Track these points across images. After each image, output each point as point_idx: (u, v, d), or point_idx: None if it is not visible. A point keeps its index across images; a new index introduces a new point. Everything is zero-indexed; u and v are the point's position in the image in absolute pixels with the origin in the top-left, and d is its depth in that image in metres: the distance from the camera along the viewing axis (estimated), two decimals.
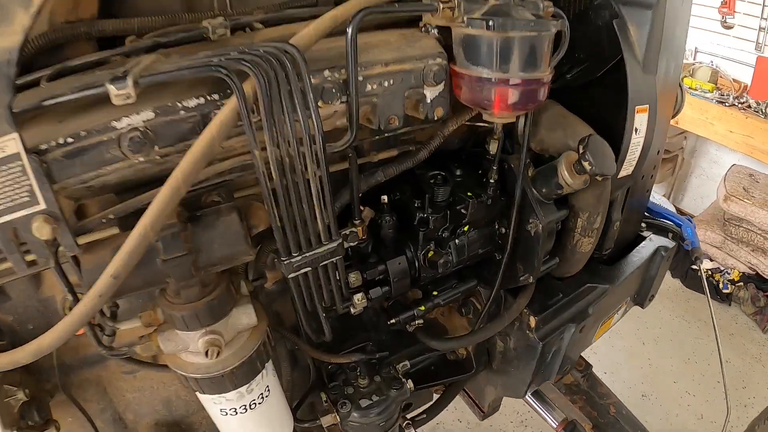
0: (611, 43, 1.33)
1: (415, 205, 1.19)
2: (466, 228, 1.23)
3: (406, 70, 0.93)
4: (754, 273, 4.39)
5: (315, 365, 1.42)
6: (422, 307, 1.31)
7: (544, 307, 1.49)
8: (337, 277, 1.03)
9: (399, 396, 1.30)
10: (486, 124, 1.12)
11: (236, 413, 1.06)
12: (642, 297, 2.06)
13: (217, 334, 0.93)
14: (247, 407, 1.06)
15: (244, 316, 0.98)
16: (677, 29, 1.52)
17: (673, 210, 2.20)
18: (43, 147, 0.72)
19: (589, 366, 2.20)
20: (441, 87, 0.97)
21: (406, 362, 1.37)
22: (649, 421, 2.77)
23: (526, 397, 2.26)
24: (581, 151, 1.12)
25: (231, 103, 0.78)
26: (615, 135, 1.40)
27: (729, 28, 4.67)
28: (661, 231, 2.06)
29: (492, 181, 1.27)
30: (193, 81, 0.82)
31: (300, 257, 0.94)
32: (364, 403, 1.26)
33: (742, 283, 4.39)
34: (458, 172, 1.29)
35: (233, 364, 0.96)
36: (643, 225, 2.05)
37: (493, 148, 1.27)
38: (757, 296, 4.27)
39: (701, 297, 4.48)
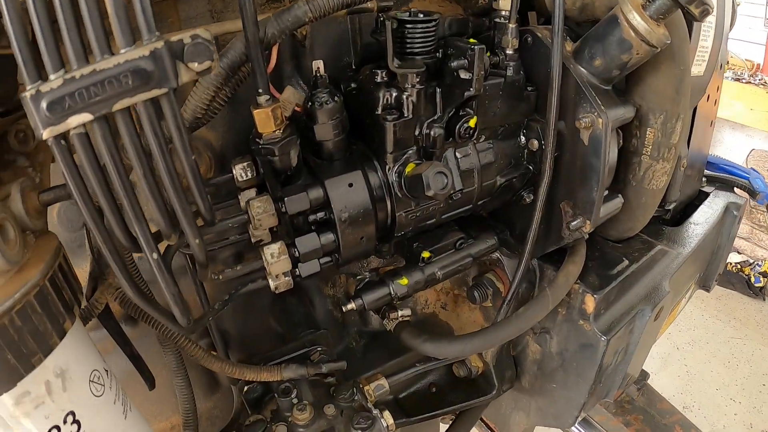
0: None
1: (375, 77, 0.59)
2: (472, 122, 0.63)
3: None
4: None
5: (239, 393, 0.79)
6: (403, 281, 0.69)
7: (606, 279, 0.87)
8: (175, 158, 0.43)
9: None
10: None
11: None
12: (709, 275, 1.46)
13: None
14: None
15: None
16: None
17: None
18: None
19: (645, 374, 1.57)
20: None
21: (382, 381, 0.74)
22: None
23: None
24: None
25: None
26: None
27: (737, 5, 4.22)
28: (725, 186, 1.47)
29: (510, 51, 0.68)
30: None
31: (61, 81, 0.37)
32: None
33: None
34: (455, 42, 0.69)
35: None
36: (704, 180, 1.46)
37: (502, 2, 0.69)
38: None
39: (732, 294, 3.84)
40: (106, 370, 0.56)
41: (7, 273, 0.45)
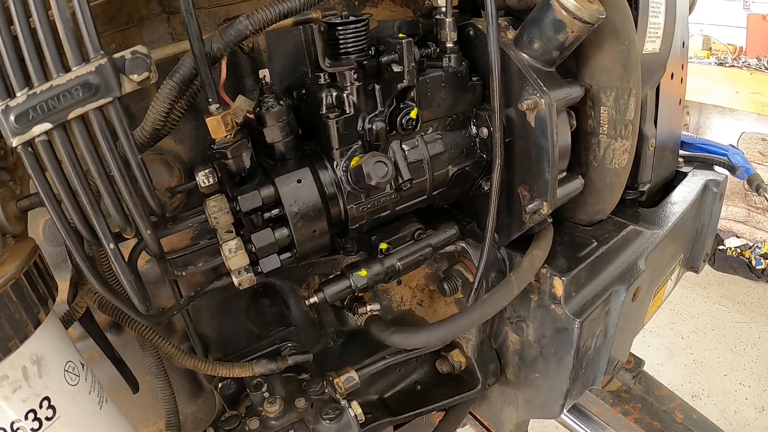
0: None
1: (318, 80, 0.61)
2: (413, 113, 0.65)
3: None
4: None
5: (219, 392, 0.80)
6: (362, 272, 0.70)
7: (574, 261, 0.88)
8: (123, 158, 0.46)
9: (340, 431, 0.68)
10: None
11: None
12: (695, 256, 1.45)
13: None
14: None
15: None
16: None
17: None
18: None
19: (640, 362, 1.56)
20: None
21: (351, 374, 0.74)
22: None
23: (563, 416, 1.60)
24: None
25: None
26: None
27: None
28: (704, 164, 1.48)
29: (450, 44, 0.70)
30: None
31: (25, 97, 0.43)
32: None
33: None
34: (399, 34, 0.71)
35: None
36: (680, 161, 1.47)
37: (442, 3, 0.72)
38: None
39: (735, 278, 3.83)
40: (82, 364, 0.60)
41: None
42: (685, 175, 1.40)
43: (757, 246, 3.87)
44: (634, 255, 1.01)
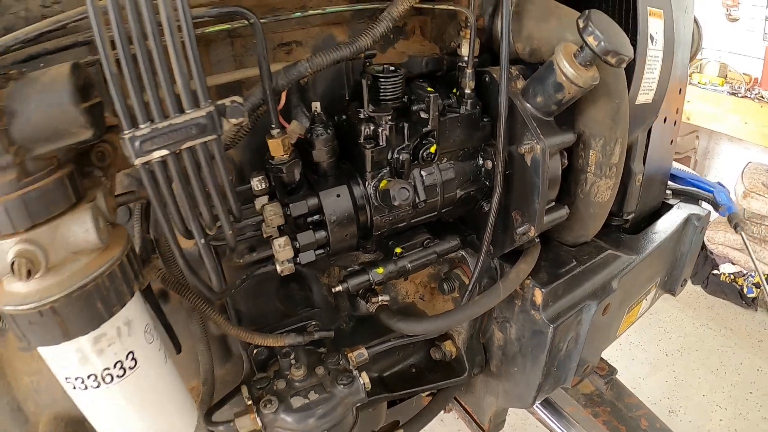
0: None
1: (359, 112, 0.79)
2: (433, 148, 0.83)
3: None
4: None
5: (249, 356, 1.00)
6: (380, 270, 0.89)
7: (554, 277, 1.07)
8: (219, 179, 0.64)
9: (349, 395, 0.87)
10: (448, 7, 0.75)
11: (86, 387, 0.70)
12: (673, 281, 1.62)
13: (34, 245, 0.62)
14: (100, 379, 0.69)
15: (79, 229, 0.63)
16: None
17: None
18: None
19: (613, 370, 1.74)
20: None
21: (362, 351, 0.94)
22: None
23: (538, 411, 1.79)
24: (582, 25, 0.74)
25: None
26: None
27: (734, 20, 4.37)
28: (690, 199, 1.65)
29: (467, 91, 0.88)
30: None
31: (149, 129, 0.58)
32: (296, 402, 0.84)
33: None
34: (426, 86, 0.89)
35: (55, 295, 0.63)
36: (669, 193, 1.64)
37: (464, 48, 0.89)
38: None
39: (725, 303, 3.99)
40: (154, 327, 0.77)
41: (99, 250, 0.66)
42: (670, 207, 1.57)
43: (750, 275, 4.02)
44: (608, 276, 1.18)
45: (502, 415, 1.58)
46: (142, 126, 0.59)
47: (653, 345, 3.63)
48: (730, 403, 3.24)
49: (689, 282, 4.25)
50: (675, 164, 1.86)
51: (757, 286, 3.99)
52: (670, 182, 1.71)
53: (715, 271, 4.18)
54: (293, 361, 0.89)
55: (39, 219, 0.63)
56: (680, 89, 1.46)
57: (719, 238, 4.13)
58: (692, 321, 3.86)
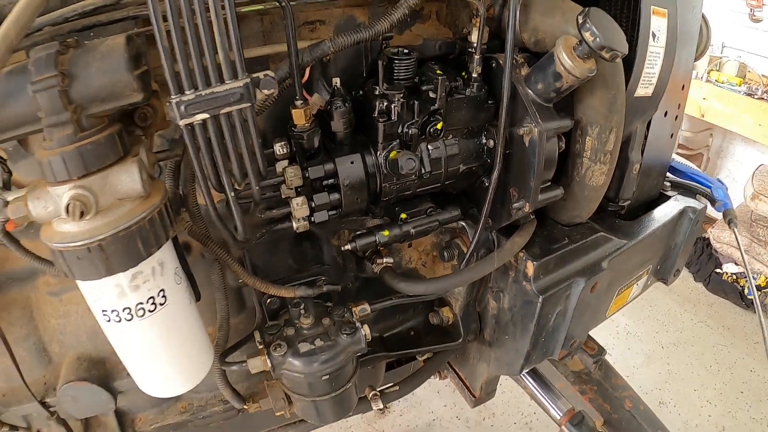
0: None
1: (375, 89, 0.89)
2: (439, 125, 0.93)
3: None
4: None
5: (260, 305, 1.12)
6: (386, 232, 1.00)
7: (546, 251, 1.17)
8: (248, 139, 0.74)
9: (351, 344, 0.98)
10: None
11: (120, 320, 0.80)
12: (666, 269, 1.71)
13: (87, 191, 0.72)
14: (133, 312, 0.80)
15: (127, 178, 0.73)
16: None
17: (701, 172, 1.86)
18: None
19: (602, 350, 1.84)
20: None
21: (365, 306, 1.05)
22: None
23: (529, 385, 1.91)
24: (581, 21, 0.82)
25: None
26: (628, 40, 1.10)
27: (757, 21, 4.34)
28: (689, 192, 1.72)
29: (474, 74, 0.97)
30: None
31: (194, 95, 0.68)
32: (303, 348, 0.95)
33: None
34: (435, 65, 0.99)
35: (103, 234, 0.73)
36: (668, 184, 1.72)
37: (474, 36, 0.98)
38: None
39: (725, 302, 4.06)
40: (181, 271, 0.89)
41: (142, 198, 0.77)
42: (668, 198, 1.65)
43: (753, 277, 4.08)
44: (599, 256, 1.28)
45: (493, 384, 1.70)
46: (187, 92, 0.70)
47: (650, 336, 3.72)
48: (720, 401, 3.32)
49: (692, 279, 4.32)
50: (678, 158, 1.93)
51: (759, 288, 4.04)
52: (670, 175, 1.78)
53: (718, 270, 4.23)
54: (302, 311, 1.00)
55: (92, 168, 0.74)
56: (683, 85, 1.53)
57: (725, 237, 4.16)
58: (691, 317, 3.94)
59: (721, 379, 3.46)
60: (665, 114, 1.48)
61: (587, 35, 0.86)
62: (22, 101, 0.70)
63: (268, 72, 0.73)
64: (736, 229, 1.73)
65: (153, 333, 0.87)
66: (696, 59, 1.62)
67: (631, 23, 1.19)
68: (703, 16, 1.58)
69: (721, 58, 4.45)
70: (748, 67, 4.31)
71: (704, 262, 4.31)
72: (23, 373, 1.10)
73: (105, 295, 0.81)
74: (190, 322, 0.94)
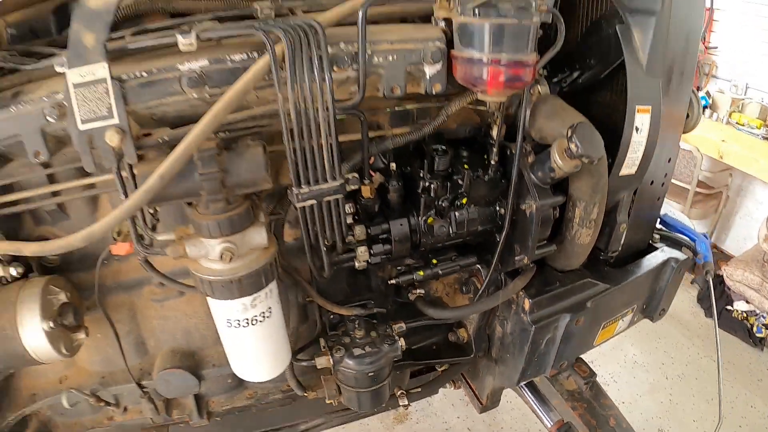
0: (616, 48, 1.47)
1: (420, 174, 1.35)
2: (464, 200, 1.39)
3: (409, 48, 1.15)
4: None
5: (321, 320, 1.58)
6: (421, 273, 1.46)
7: (540, 292, 1.60)
8: (339, 216, 1.21)
9: (390, 351, 1.44)
10: (485, 107, 1.29)
11: (239, 326, 1.24)
12: (652, 309, 2.11)
13: (232, 244, 1.12)
14: (249, 321, 1.24)
15: (257, 236, 1.17)
16: (687, 35, 1.63)
17: (691, 226, 2.26)
18: (124, 77, 0.98)
19: (593, 374, 2.26)
20: (439, 66, 1.17)
21: (402, 324, 1.51)
22: None
23: (530, 400, 2.33)
24: (569, 134, 1.26)
25: (264, 58, 0.99)
26: (617, 133, 1.54)
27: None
28: (675, 244, 2.13)
29: (492, 162, 1.42)
30: (241, 42, 1.05)
31: (308, 189, 1.14)
32: (356, 352, 1.41)
33: None
34: (464, 153, 1.45)
35: (241, 273, 1.15)
36: (657, 237, 2.12)
37: (494, 131, 1.43)
38: None
39: (733, 339, 4.39)
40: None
41: (264, 248, 1.21)
42: (655, 249, 2.07)
43: (762, 315, 4.40)
44: (584, 297, 1.70)
45: (498, 395, 2.13)
46: (303, 187, 1.16)
47: (656, 367, 4.08)
48: None
49: (703, 314, 4.65)
50: (673, 213, 2.33)
51: (767, 327, 4.36)
52: (663, 227, 2.19)
53: (728, 307, 4.56)
54: (356, 326, 1.46)
55: (236, 230, 1.13)
56: (669, 158, 1.95)
57: (738, 275, 4.49)
58: (698, 351, 4.28)
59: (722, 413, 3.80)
60: (651, 183, 1.90)
61: (572, 146, 1.30)
62: (190, 182, 1.07)
63: (355, 174, 1.20)
64: (711, 280, 2.13)
65: (259, 336, 1.32)
66: (686, 131, 2.03)
67: (619, 120, 1.62)
68: (694, 94, 1.98)
69: (743, 99, 4.76)
70: None
71: (716, 298, 4.64)
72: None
73: (233, 309, 1.26)
74: (280, 330, 1.40)
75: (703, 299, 4.77)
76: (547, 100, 1.41)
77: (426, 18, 1.26)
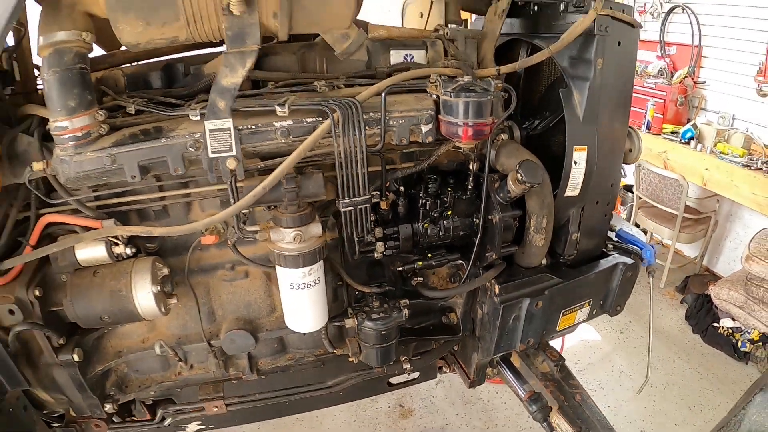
0: (561, 104, 2.38)
1: (419, 194, 2.25)
2: (449, 213, 2.27)
3: (411, 115, 2.04)
4: None
5: (348, 298, 2.46)
6: (420, 263, 2.35)
7: (507, 281, 2.47)
8: (366, 219, 2.10)
9: (398, 317, 2.31)
10: (462, 150, 2.19)
11: (299, 288, 2.11)
12: (608, 305, 2.95)
13: (300, 232, 2.04)
14: (306, 285, 2.11)
15: (315, 228, 2.08)
16: (618, 93, 2.51)
17: (645, 240, 3.12)
18: (240, 127, 1.86)
19: (562, 358, 3.10)
20: (431, 125, 2.06)
21: (407, 300, 2.38)
22: None
23: (508, 376, 3.17)
24: (517, 167, 2.14)
25: (326, 122, 1.89)
26: (563, 166, 2.43)
27: (764, 96, 5.56)
28: (625, 252, 2.99)
29: (469, 186, 2.31)
30: (310, 110, 1.94)
31: (348, 201, 2.03)
32: (374, 316, 2.29)
33: (761, 343, 5.08)
34: (450, 180, 2.34)
35: (304, 250, 2.06)
36: (611, 246, 2.98)
37: (471, 166, 2.33)
38: None
39: (719, 354, 5.20)
40: None
41: (319, 236, 2.11)
42: (606, 255, 2.93)
43: (747, 331, 5.22)
44: (541, 287, 2.56)
45: (483, 370, 2.98)
46: (345, 199, 2.05)
47: (642, 376, 4.87)
48: None
49: (690, 330, 5.46)
50: (628, 227, 3.18)
51: (752, 342, 5.18)
52: (618, 239, 3.05)
53: (715, 324, 5.39)
54: (373, 299, 2.34)
55: (304, 224, 2.08)
56: (612, 184, 2.82)
57: (723, 294, 5.33)
58: (683, 363, 5.09)
59: (703, 417, 4.57)
60: (597, 202, 2.78)
61: (519, 176, 2.17)
62: (277, 193, 2.03)
63: (377, 192, 2.09)
64: (652, 279, 2.99)
65: (311, 297, 2.17)
66: (629, 162, 2.91)
67: (561, 155, 2.50)
68: (632, 132, 2.86)
69: (728, 130, 5.67)
70: (753, 139, 5.51)
71: (703, 316, 5.48)
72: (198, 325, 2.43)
73: (296, 275, 2.12)
74: (323, 296, 2.25)
75: (690, 317, 5.60)
76: (507, 144, 2.31)
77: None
